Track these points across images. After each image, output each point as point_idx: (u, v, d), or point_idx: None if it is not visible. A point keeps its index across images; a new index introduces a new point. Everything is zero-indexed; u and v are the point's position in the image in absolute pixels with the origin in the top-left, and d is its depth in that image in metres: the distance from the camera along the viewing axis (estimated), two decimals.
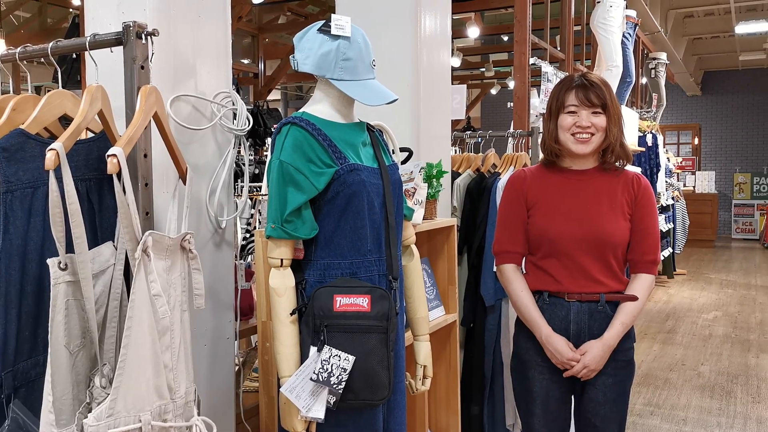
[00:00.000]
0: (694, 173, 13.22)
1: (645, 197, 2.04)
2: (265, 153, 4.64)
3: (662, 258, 8.05)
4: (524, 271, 2.11)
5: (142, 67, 1.49)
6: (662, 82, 8.61)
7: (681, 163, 12.60)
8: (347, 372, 1.63)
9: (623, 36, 5.85)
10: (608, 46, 5.61)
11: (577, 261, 1.98)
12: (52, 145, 1.31)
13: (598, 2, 5.69)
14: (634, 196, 2.03)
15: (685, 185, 12.41)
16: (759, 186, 13.55)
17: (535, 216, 2.04)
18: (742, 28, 10.01)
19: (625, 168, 2.09)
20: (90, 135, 1.62)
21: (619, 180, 2.05)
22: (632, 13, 6.38)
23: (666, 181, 8.10)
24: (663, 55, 8.71)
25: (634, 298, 2.01)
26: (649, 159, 7.45)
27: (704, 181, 12.87)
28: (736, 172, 13.87)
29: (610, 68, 5.60)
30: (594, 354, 1.96)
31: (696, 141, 14.41)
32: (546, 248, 2.02)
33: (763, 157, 13.69)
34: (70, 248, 1.36)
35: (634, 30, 6.37)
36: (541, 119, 4.48)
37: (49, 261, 1.36)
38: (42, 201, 1.44)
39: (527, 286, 2.06)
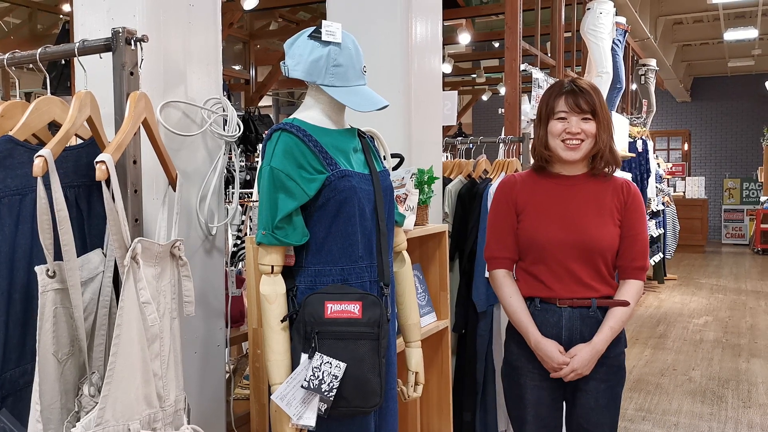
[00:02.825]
0: (684, 179, 13.29)
1: (634, 203, 2.04)
2: (256, 159, 4.63)
3: (653, 263, 8.09)
4: (515, 277, 2.11)
5: (132, 73, 1.48)
6: (652, 88, 8.66)
7: (671, 168, 12.67)
8: (338, 379, 1.62)
9: (613, 42, 5.88)
10: (598, 52, 5.64)
11: (567, 266, 1.98)
12: (41, 152, 1.31)
13: (588, 9, 5.72)
14: (624, 202, 2.03)
15: (675, 191, 12.48)
16: (748, 191, 13.64)
17: (525, 221, 2.04)
18: (730, 35, 10.09)
19: (615, 174, 2.09)
20: (79, 141, 1.61)
21: (608, 186, 2.05)
22: (622, 19, 6.42)
23: (656, 187, 8.14)
24: (652, 62, 8.76)
25: (625, 303, 2.01)
26: (639, 165, 7.48)
27: (694, 187, 12.94)
28: (726, 178, 13.96)
29: (600, 74, 5.62)
30: (582, 358, 1.96)
31: (686, 147, 14.50)
32: (535, 254, 2.02)
33: (752, 163, 13.79)
34: (58, 255, 1.35)
35: (624, 36, 6.40)
36: (532, 125, 4.50)
37: (37, 268, 1.35)
38: (30, 208, 1.43)
39: (518, 290, 2.06)
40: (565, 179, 2.06)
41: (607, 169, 2.05)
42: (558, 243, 1.98)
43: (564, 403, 2.10)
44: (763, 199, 12.00)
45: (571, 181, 2.05)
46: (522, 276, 2.08)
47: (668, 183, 10.57)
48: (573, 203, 2.02)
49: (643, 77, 8.60)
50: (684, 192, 12.87)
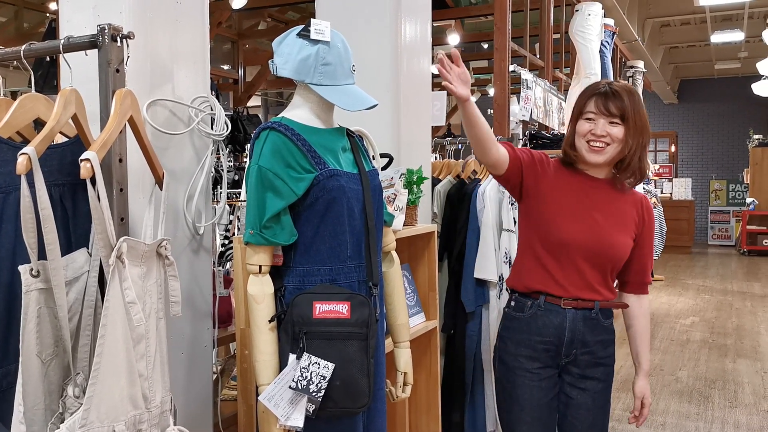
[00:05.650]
0: (671, 180, 13.38)
1: (650, 221, 2.05)
2: (244, 159, 4.61)
3: None
4: (525, 265, 2.04)
5: (117, 71, 1.47)
6: (639, 90, 8.70)
7: (658, 170, 12.75)
8: (327, 380, 1.61)
9: (601, 44, 5.90)
10: (586, 53, 5.66)
11: (578, 267, 1.96)
12: (24, 150, 1.29)
13: (577, 11, 5.74)
14: (642, 218, 2.03)
15: (662, 192, 12.56)
16: (734, 193, 13.76)
17: (547, 213, 1.98)
18: (717, 38, 10.18)
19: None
20: (64, 140, 1.60)
21: (628, 198, 2.03)
22: (610, 21, 6.45)
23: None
24: (640, 64, 8.81)
25: (625, 305, 2.06)
26: None
27: (681, 188, 13.03)
28: (712, 179, 14.07)
29: (588, 76, 5.64)
30: (647, 390, 2.13)
31: (673, 148, 14.60)
32: (552, 248, 1.97)
33: (738, 165, 13.91)
34: (42, 255, 1.34)
35: (612, 38, 6.43)
36: (521, 126, 4.52)
37: (20, 268, 1.33)
38: (14, 207, 1.41)
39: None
40: (589, 179, 2.01)
41: (630, 179, 2.01)
42: (577, 243, 1.94)
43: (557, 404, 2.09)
44: (749, 200, 12.10)
45: (594, 183, 2.01)
46: (532, 266, 2.01)
47: (655, 184, 10.63)
48: (596, 207, 1.98)
49: (630, 79, 8.64)
50: (671, 193, 12.95)
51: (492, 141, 1.91)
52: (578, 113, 1.98)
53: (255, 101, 13.13)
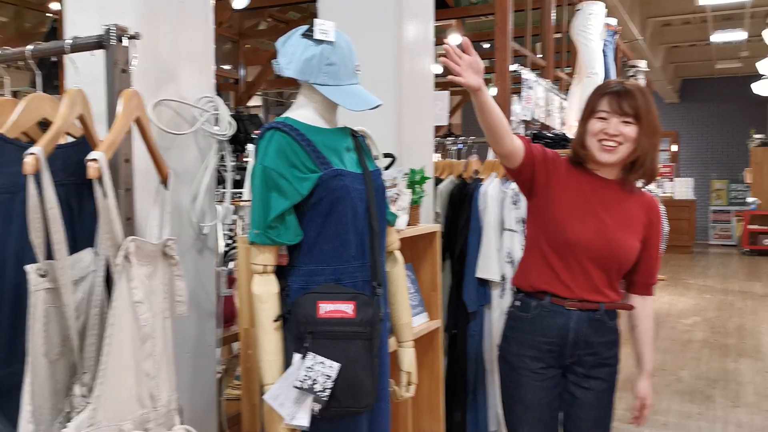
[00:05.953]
0: (672, 180, 13.37)
1: (658, 223, 2.04)
2: (245, 159, 4.61)
3: None
4: (531, 262, 2.04)
5: (124, 71, 1.47)
6: None
7: (660, 169, 12.74)
8: (331, 379, 1.61)
9: (603, 44, 5.89)
10: (588, 53, 5.65)
11: (585, 268, 1.95)
12: (32, 149, 1.29)
13: (578, 10, 5.74)
14: (650, 220, 2.02)
15: (663, 192, 12.55)
16: (736, 192, 13.75)
17: (556, 212, 1.97)
18: (718, 37, 10.18)
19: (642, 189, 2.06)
20: (70, 140, 1.60)
21: (637, 199, 2.02)
22: (612, 21, 6.44)
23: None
24: (642, 63, 8.81)
25: (630, 307, 2.05)
26: None
27: (682, 188, 13.02)
28: (714, 179, 14.06)
29: (589, 75, 5.63)
30: (648, 391, 2.15)
31: (674, 148, 14.60)
32: (559, 248, 1.96)
33: (739, 164, 13.89)
34: (49, 255, 1.34)
35: (614, 38, 6.43)
36: (522, 125, 4.51)
37: (27, 267, 1.34)
38: (20, 206, 1.41)
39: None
40: (598, 179, 2.00)
41: (642, 180, 2.01)
42: (584, 244, 1.93)
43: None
44: (750, 200, 12.10)
45: (604, 183, 2.00)
46: (539, 265, 2.00)
47: (657, 184, 10.62)
48: (605, 208, 1.97)
49: (632, 78, 8.64)
50: (672, 193, 12.95)
51: (506, 130, 1.90)
52: (590, 112, 1.96)
53: (256, 101, 13.13)
